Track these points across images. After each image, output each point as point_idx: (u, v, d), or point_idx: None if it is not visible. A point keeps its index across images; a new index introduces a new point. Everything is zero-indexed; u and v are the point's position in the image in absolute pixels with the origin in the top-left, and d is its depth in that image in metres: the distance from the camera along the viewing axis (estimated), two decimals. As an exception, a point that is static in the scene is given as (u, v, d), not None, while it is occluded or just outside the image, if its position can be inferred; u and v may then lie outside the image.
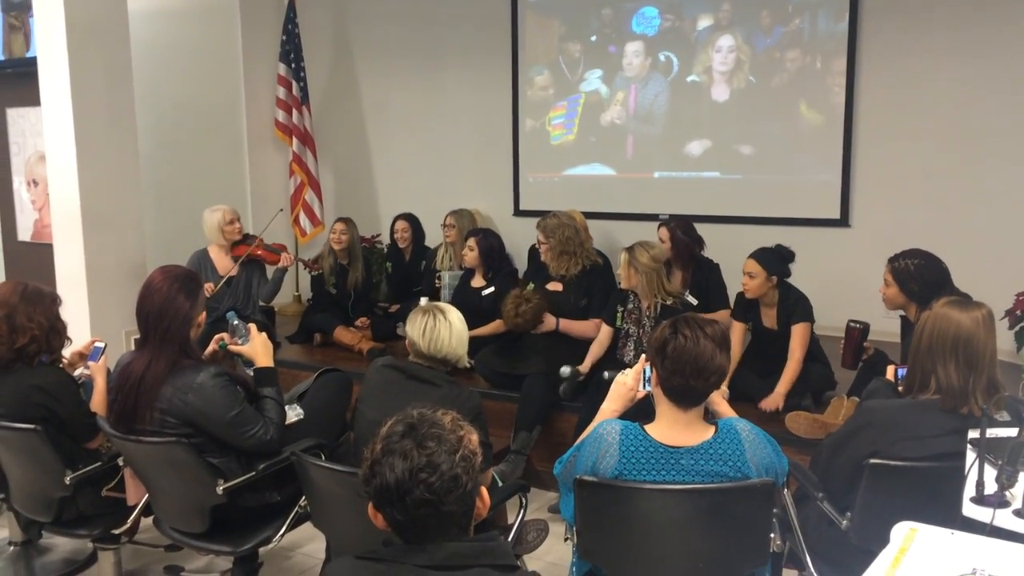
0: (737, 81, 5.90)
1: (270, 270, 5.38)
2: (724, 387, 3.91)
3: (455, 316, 2.91)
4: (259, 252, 5.25)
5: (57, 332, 3.11)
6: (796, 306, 4.08)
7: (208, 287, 4.82)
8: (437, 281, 5.45)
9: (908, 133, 5.40)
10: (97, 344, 3.27)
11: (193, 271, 3.09)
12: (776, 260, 4.08)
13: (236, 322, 3.07)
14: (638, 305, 4.20)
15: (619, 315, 4.25)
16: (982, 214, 5.15)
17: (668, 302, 4.10)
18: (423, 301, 4.93)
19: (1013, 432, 2.12)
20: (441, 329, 2.85)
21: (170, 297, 2.79)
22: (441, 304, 2.98)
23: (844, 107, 5.55)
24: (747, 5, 5.80)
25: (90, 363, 3.22)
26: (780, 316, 4.10)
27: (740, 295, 4.27)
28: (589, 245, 4.88)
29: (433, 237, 6.22)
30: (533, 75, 6.60)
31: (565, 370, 4.13)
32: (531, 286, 4.70)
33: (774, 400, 3.95)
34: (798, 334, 4.03)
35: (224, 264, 5.16)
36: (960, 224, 5.17)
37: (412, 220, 6.21)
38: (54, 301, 3.14)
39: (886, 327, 4.14)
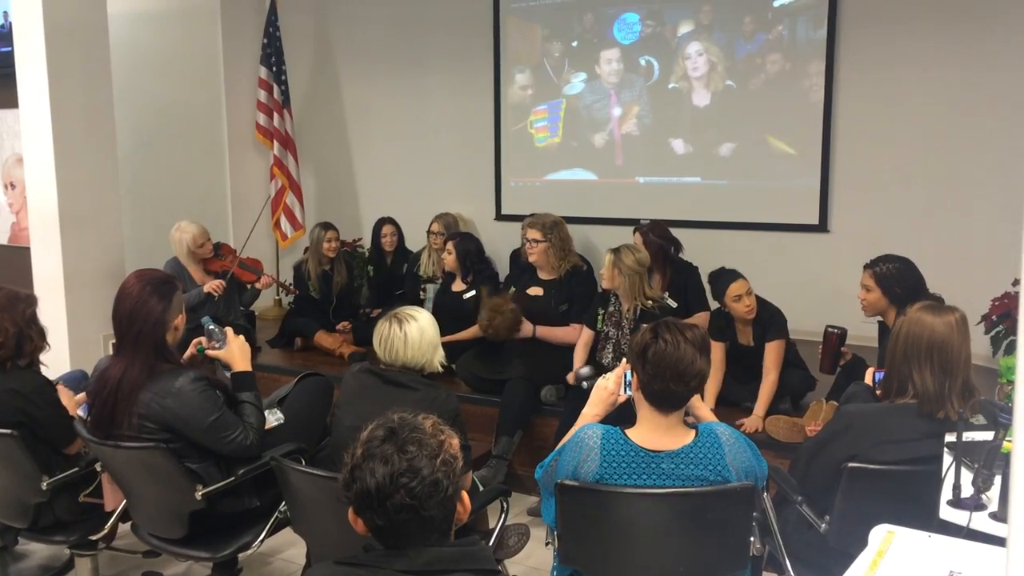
0: (718, 87, 5.93)
1: None
2: (710, 403, 3.93)
3: (415, 326, 2.87)
4: (236, 271, 5.24)
5: (31, 336, 3.08)
6: (771, 322, 4.04)
7: (218, 284, 4.97)
8: (422, 293, 5.43)
9: (887, 139, 5.45)
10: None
11: (170, 274, 3.06)
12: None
13: (212, 327, 3.05)
14: (618, 308, 4.21)
15: (600, 318, 4.26)
16: (960, 220, 5.20)
17: (648, 306, 4.11)
18: (429, 289, 5.03)
19: (989, 436, 2.14)
20: (395, 339, 2.84)
21: (141, 300, 2.77)
22: (408, 310, 2.95)
23: (823, 113, 5.59)
24: (728, 11, 5.84)
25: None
26: (756, 332, 4.09)
27: (715, 314, 4.24)
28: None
29: (414, 241, 6.21)
30: (515, 80, 6.61)
31: (584, 371, 4.09)
32: (512, 290, 4.71)
33: (753, 423, 3.92)
34: (772, 352, 3.99)
35: (199, 275, 5.18)
36: (938, 230, 5.22)
37: (396, 224, 6.21)
38: (30, 304, 3.12)
39: (864, 332, 4.17)
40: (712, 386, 4.00)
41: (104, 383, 2.78)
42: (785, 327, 4.06)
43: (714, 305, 4.38)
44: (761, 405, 3.97)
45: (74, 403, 3.25)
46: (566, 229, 4.72)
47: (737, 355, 4.16)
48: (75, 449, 3.08)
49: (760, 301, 4.08)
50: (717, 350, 4.06)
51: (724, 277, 4.07)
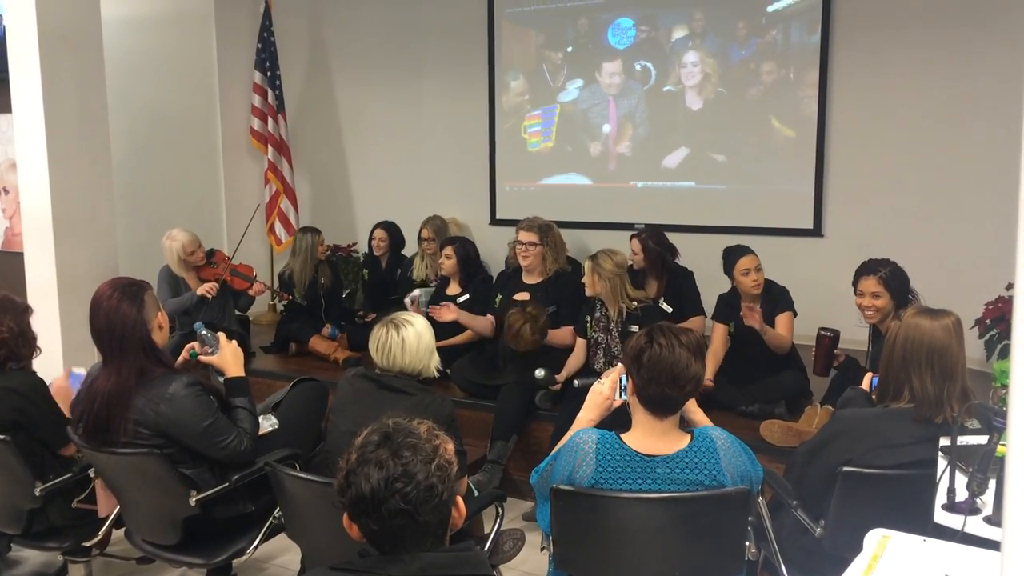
0: (711, 92, 5.95)
1: None
2: (710, 374, 3.97)
3: (412, 331, 2.88)
4: (228, 278, 5.24)
5: (27, 340, 3.09)
6: (780, 298, 4.16)
7: (211, 287, 5.00)
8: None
9: (880, 144, 5.47)
10: (74, 371, 3.30)
11: (134, 279, 2.96)
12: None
13: (204, 332, 3.04)
14: (605, 313, 4.23)
15: (588, 325, 4.28)
16: (953, 224, 5.21)
17: (632, 307, 4.13)
18: (416, 292, 5.10)
19: (983, 440, 2.14)
20: (393, 345, 2.85)
21: (113, 308, 2.75)
22: (405, 315, 2.95)
23: (817, 118, 5.61)
24: (721, 16, 5.85)
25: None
26: (764, 310, 4.14)
27: (723, 297, 4.32)
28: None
29: (411, 246, 6.21)
30: (510, 85, 6.62)
31: (540, 372, 4.12)
32: (499, 297, 4.70)
33: (758, 320, 3.99)
34: (782, 322, 4.10)
35: (194, 282, 5.19)
36: (931, 234, 5.24)
37: (390, 229, 6.20)
38: (25, 311, 3.14)
39: (856, 335, 4.18)
40: (712, 363, 4.06)
41: (94, 396, 2.76)
42: (792, 303, 4.18)
43: (716, 290, 4.45)
44: (768, 329, 4.04)
45: (64, 393, 3.27)
46: (558, 232, 4.74)
47: (742, 338, 4.18)
48: (71, 451, 3.07)
49: (768, 280, 4.18)
50: (720, 332, 4.23)
51: (735, 251, 4.20)
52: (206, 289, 5.00)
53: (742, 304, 4.10)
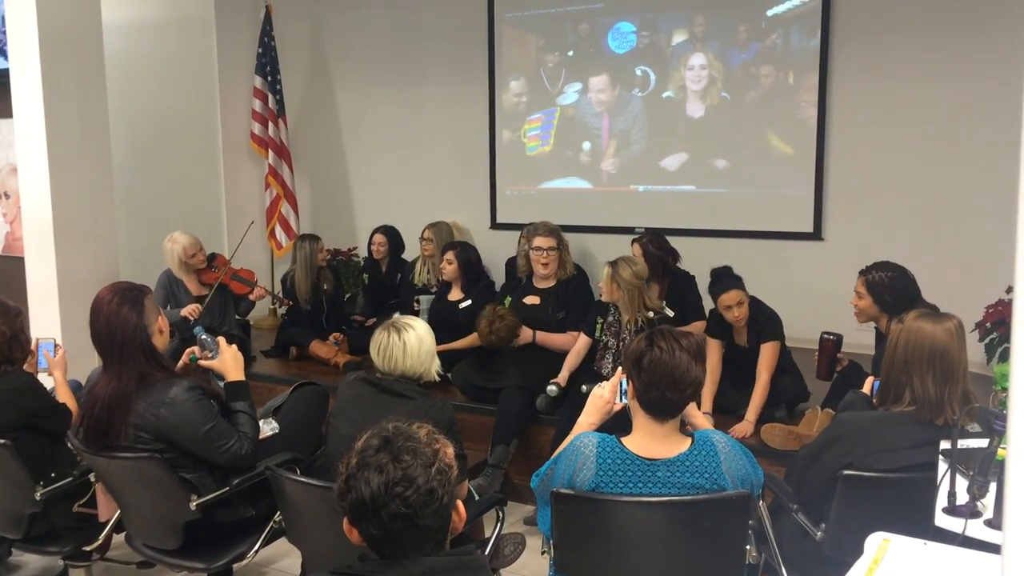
0: (712, 96, 5.95)
1: None
2: (707, 406, 3.93)
3: (413, 335, 2.87)
4: (229, 282, 5.25)
5: (19, 344, 3.11)
6: (766, 325, 4.05)
7: (193, 309, 4.94)
8: (416, 304, 5.41)
9: (880, 148, 5.47)
10: (41, 343, 3.34)
11: (135, 284, 2.97)
12: (740, 281, 4.07)
13: (204, 336, 3.04)
14: (618, 318, 4.21)
15: (599, 326, 4.26)
16: (953, 227, 5.22)
17: (649, 317, 4.11)
18: (422, 300, 5.14)
19: (984, 443, 2.14)
20: (394, 349, 2.84)
21: (113, 313, 2.75)
22: (405, 319, 2.95)
23: (817, 122, 5.61)
24: (721, 21, 5.86)
25: (42, 368, 3.33)
26: (751, 334, 4.10)
27: (714, 312, 4.26)
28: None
29: (411, 250, 6.21)
30: (510, 89, 6.62)
31: (552, 389, 4.16)
32: (508, 299, 4.70)
33: (744, 428, 3.91)
34: (766, 354, 4.00)
35: (195, 286, 5.19)
36: (931, 237, 5.24)
37: (390, 233, 6.19)
38: (18, 314, 3.15)
39: (859, 339, 4.18)
40: (709, 389, 4.00)
41: (94, 400, 2.77)
42: (780, 330, 4.08)
43: (710, 305, 4.39)
44: (753, 410, 3.96)
45: (59, 367, 3.37)
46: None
47: (733, 356, 4.16)
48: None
49: (756, 303, 4.09)
50: (715, 350, 4.10)
51: (720, 283, 4.06)
52: (188, 311, 4.96)
53: (731, 429, 3.96)
